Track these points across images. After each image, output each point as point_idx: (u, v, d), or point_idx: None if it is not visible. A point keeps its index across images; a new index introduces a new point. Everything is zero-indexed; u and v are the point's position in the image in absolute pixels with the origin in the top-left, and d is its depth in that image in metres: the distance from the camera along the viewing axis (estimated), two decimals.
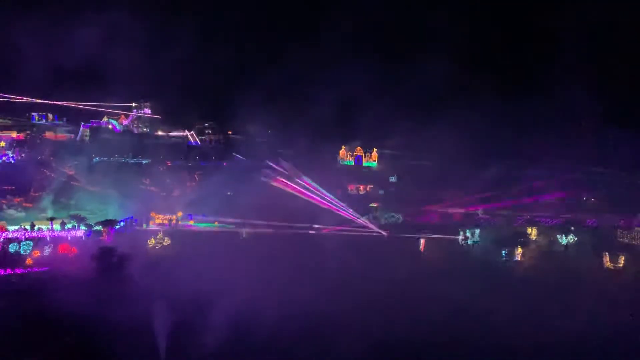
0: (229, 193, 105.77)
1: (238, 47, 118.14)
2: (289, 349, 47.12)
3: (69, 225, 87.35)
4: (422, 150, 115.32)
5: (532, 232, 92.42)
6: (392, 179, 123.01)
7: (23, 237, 80.00)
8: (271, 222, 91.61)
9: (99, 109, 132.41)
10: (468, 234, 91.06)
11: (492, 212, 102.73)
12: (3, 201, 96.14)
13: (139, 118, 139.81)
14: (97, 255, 70.88)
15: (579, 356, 47.55)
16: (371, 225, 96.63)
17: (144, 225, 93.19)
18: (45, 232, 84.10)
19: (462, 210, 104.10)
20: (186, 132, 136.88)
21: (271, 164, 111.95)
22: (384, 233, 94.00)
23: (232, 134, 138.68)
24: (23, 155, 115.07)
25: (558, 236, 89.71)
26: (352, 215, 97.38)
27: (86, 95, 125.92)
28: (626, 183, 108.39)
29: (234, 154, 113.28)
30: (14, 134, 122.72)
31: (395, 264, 75.57)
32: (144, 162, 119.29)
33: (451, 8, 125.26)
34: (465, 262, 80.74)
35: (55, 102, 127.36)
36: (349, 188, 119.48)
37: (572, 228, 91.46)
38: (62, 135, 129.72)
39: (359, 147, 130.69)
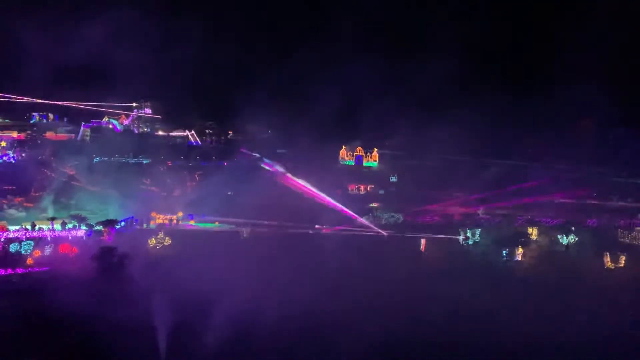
0: (229, 193, 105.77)
1: (238, 46, 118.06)
2: (290, 348, 47.10)
3: (70, 225, 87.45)
4: (423, 150, 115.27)
5: (533, 232, 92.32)
6: (393, 179, 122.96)
7: (24, 237, 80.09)
8: (271, 222, 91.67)
9: (100, 109, 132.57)
10: (469, 234, 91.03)
11: (492, 212, 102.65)
12: (4, 201, 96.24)
13: (139, 118, 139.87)
14: (97, 255, 70.92)
15: (580, 356, 47.49)
16: (371, 225, 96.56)
17: (145, 225, 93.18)
18: (46, 232, 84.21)
19: (462, 210, 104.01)
20: (187, 132, 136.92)
21: (272, 163, 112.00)
22: (384, 233, 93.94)
23: (233, 133, 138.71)
24: (24, 155, 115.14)
25: (559, 236, 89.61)
26: (353, 214, 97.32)
27: (87, 95, 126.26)
28: (627, 183, 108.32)
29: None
30: (15, 134, 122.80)
31: (395, 264, 75.46)
32: (144, 162, 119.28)
33: (452, 7, 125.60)
34: (466, 262, 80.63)
35: (55, 102, 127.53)
36: (350, 188, 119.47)
37: (573, 228, 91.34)
38: (63, 135, 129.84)
39: (359, 147, 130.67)
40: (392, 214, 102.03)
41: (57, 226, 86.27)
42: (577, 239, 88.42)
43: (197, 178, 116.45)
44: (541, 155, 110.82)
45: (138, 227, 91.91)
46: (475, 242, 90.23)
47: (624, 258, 78.12)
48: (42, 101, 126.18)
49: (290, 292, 58.69)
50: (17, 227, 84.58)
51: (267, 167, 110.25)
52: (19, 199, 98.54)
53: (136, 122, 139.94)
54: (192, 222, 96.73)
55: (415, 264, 77.59)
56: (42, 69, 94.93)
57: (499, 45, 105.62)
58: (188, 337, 47.85)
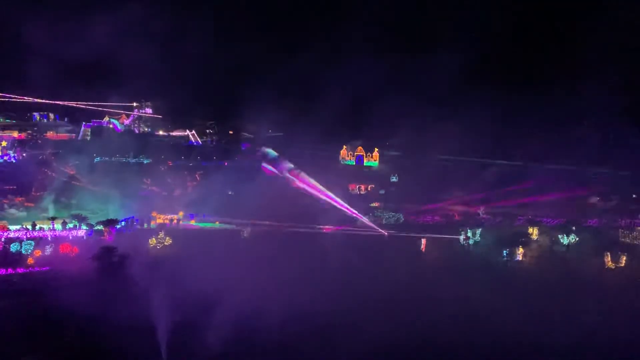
0: (230, 193, 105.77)
1: (238, 46, 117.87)
2: (293, 348, 47.14)
3: (71, 225, 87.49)
4: (423, 150, 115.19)
5: (534, 232, 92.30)
6: (393, 179, 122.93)
7: (25, 236, 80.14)
8: (272, 222, 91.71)
9: (101, 109, 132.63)
10: (469, 234, 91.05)
11: (493, 211, 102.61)
12: (5, 201, 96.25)
13: (140, 118, 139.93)
14: (98, 255, 70.99)
15: (581, 356, 47.48)
16: (372, 225, 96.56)
17: (145, 225, 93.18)
18: (47, 232, 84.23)
19: (463, 210, 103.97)
20: (187, 132, 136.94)
21: (274, 164, 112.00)
22: (384, 233, 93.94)
23: (234, 133, 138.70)
24: (24, 155, 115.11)
25: (559, 236, 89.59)
26: (353, 214, 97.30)
27: (87, 95, 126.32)
28: (629, 183, 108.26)
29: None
30: (16, 134, 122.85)
31: (396, 264, 75.51)
32: (145, 161, 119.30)
33: (454, 5, 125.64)
34: (466, 261, 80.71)
35: (56, 102, 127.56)
36: (350, 188, 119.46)
37: (574, 228, 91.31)
38: (64, 134, 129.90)
39: (360, 147, 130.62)
40: (393, 213, 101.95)
41: (58, 226, 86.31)
42: (577, 238, 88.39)
43: (198, 178, 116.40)
44: (542, 155, 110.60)
45: (139, 226, 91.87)
46: (475, 242, 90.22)
47: (624, 258, 78.17)
48: (43, 101, 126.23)
49: (292, 292, 58.72)
50: (18, 227, 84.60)
51: (270, 169, 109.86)
52: (20, 199, 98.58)
53: (137, 122, 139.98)
54: (192, 222, 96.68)
55: (416, 264, 77.61)
56: (43, 69, 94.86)
57: (500, 45, 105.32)
58: (190, 337, 47.87)
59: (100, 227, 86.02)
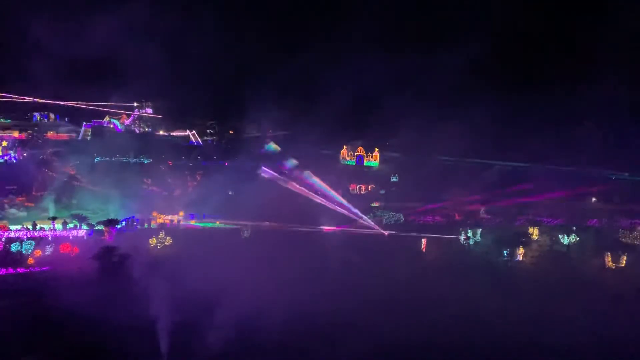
0: (230, 193, 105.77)
1: (239, 46, 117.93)
2: (292, 348, 47.13)
3: (71, 225, 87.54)
4: (424, 150, 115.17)
5: (534, 232, 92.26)
6: (394, 179, 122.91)
7: (25, 236, 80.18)
8: (272, 221, 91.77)
9: (101, 109, 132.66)
10: (469, 234, 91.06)
11: (493, 211, 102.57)
12: (5, 201, 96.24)
13: (140, 118, 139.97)
14: (99, 255, 71.03)
15: (582, 356, 47.47)
16: (372, 225, 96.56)
17: (145, 225, 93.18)
18: (47, 232, 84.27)
19: (463, 210, 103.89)
20: (188, 132, 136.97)
21: (272, 164, 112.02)
22: (384, 232, 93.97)
23: (234, 133, 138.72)
24: (25, 155, 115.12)
25: (560, 236, 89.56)
26: (354, 214, 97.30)
27: (87, 95, 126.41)
28: (629, 183, 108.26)
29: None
30: (16, 134, 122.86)
31: (396, 263, 75.53)
32: (145, 161, 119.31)
33: (454, 4, 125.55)
34: (467, 261, 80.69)
35: (56, 102, 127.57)
36: (351, 187, 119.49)
37: (574, 228, 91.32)
38: (64, 135, 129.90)
39: (360, 147, 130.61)
40: (393, 213, 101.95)
41: (58, 226, 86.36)
42: (578, 238, 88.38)
43: (198, 178, 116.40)
44: (543, 156, 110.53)
45: (139, 226, 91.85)
46: (476, 242, 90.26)
47: (625, 258, 78.17)
48: (43, 101, 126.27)
49: (292, 292, 58.77)
50: (18, 227, 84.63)
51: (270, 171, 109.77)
52: (20, 199, 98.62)
53: (137, 122, 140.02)
54: (193, 222, 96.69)
55: (416, 264, 77.61)
56: (42, 68, 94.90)
57: (502, 45, 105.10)
58: (191, 337, 47.87)
59: (100, 227, 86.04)
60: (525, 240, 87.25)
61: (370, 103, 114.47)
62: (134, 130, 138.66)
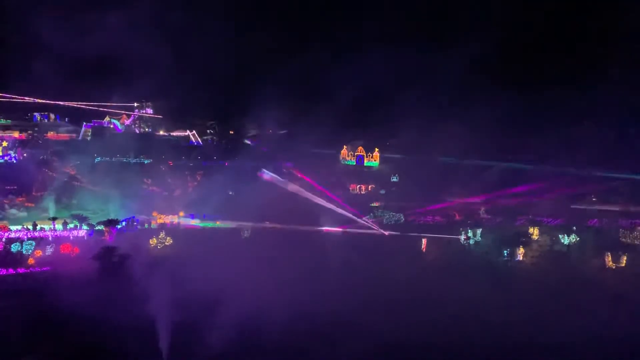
0: (230, 193, 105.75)
1: (239, 45, 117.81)
2: (292, 348, 47.14)
3: (71, 225, 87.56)
4: (424, 150, 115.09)
5: (534, 232, 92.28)
6: (394, 179, 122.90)
7: (25, 237, 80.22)
8: (273, 221, 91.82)
9: (101, 109, 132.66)
10: (470, 234, 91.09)
11: (493, 211, 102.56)
12: (5, 201, 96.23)
13: (140, 118, 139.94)
14: (99, 255, 71.08)
15: (582, 356, 47.47)
16: (372, 225, 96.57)
17: (146, 225, 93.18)
18: (47, 232, 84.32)
19: (464, 210, 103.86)
20: (188, 132, 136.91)
21: (273, 164, 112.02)
22: (385, 233, 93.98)
23: (234, 133, 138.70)
24: (25, 155, 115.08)
25: (560, 236, 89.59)
26: (354, 214, 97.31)
27: (87, 95, 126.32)
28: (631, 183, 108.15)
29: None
30: (16, 134, 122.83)
31: (396, 263, 75.56)
32: (145, 162, 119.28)
33: (455, 3, 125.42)
34: (467, 261, 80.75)
35: (57, 102, 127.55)
36: (351, 188, 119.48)
37: (574, 228, 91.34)
38: (64, 135, 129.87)
39: (360, 147, 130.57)
40: (393, 213, 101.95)
41: (59, 226, 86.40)
42: (578, 238, 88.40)
43: (198, 178, 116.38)
44: (543, 156, 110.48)
45: (139, 227, 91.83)
46: (476, 242, 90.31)
47: (625, 258, 78.19)
48: (43, 101, 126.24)
49: (292, 291, 58.78)
50: (19, 227, 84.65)
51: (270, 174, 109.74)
52: (21, 199, 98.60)
53: (137, 122, 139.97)
54: (193, 222, 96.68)
55: (417, 264, 77.64)
56: (42, 69, 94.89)
57: (504, 43, 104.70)
58: (193, 337, 47.89)
59: (100, 227, 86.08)
60: (526, 240, 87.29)
61: (370, 103, 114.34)
62: (134, 130, 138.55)
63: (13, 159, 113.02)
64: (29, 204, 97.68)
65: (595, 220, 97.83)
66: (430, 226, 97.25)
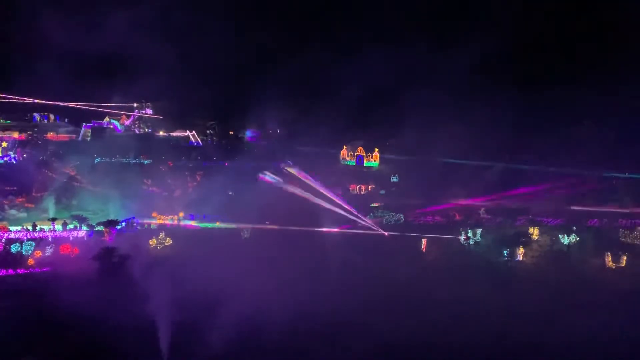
0: (230, 193, 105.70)
1: (238, 45, 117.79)
2: (293, 348, 47.10)
3: (71, 226, 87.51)
4: (424, 150, 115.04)
5: (534, 232, 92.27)
6: (394, 179, 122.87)
7: (25, 237, 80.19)
8: (273, 222, 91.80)
9: (100, 109, 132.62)
10: (470, 234, 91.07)
11: (493, 211, 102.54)
12: (5, 202, 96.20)
13: (140, 118, 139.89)
14: (99, 256, 71.06)
15: (582, 356, 47.43)
16: (372, 225, 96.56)
17: (145, 225, 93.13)
18: (47, 233, 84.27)
19: (463, 210, 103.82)
20: (188, 132, 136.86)
21: (273, 165, 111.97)
22: (385, 233, 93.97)
23: (234, 134, 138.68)
24: (25, 156, 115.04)
25: (560, 236, 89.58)
26: (354, 215, 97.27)
27: (87, 96, 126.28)
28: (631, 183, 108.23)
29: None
30: (16, 135, 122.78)
31: (396, 264, 75.57)
32: (145, 162, 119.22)
33: (457, 4, 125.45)
34: (467, 261, 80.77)
35: (56, 103, 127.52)
36: (351, 188, 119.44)
37: (574, 228, 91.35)
38: (64, 135, 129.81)
39: (360, 147, 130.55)
40: (393, 213, 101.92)
41: (58, 227, 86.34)
42: (578, 238, 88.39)
43: (198, 178, 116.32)
44: (543, 156, 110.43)
45: (139, 227, 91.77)
46: (476, 242, 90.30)
47: (625, 258, 78.17)
48: (43, 102, 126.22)
49: (292, 292, 58.76)
50: (18, 228, 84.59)
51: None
52: (20, 200, 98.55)
53: (137, 122, 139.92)
54: (193, 223, 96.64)
55: (417, 264, 77.62)
56: (42, 69, 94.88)
57: (503, 44, 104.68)
58: (192, 337, 47.85)
59: (100, 227, 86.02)
60: (526, 240, 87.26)
61: (370, 103, 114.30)
62: (134, 130, 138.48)
63: (13, 160, 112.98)
64: (29, 205, 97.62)
65: (595, 220, 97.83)
66: (430, 226, 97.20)
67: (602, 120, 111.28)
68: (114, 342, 46.50)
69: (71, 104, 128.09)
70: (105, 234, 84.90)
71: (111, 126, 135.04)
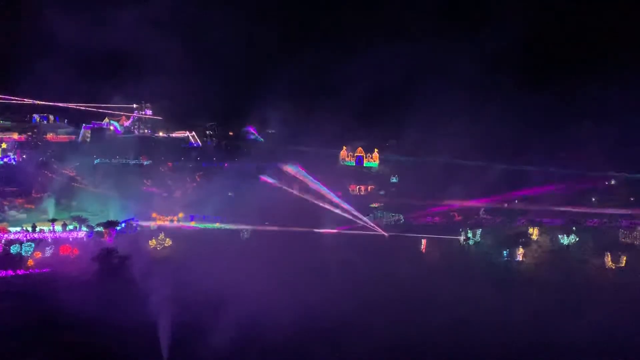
0: (230, 194, 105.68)
1: (238, 46, 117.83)
2: (293, 349, 47.06)
3: (71, 227, 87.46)
4: (424, 151, 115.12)
5: (534, 232, 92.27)
6: (394, 180, 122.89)
7: (25, 238, 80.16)
8: (272, 223, 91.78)
9: (100, 110, 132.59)
10: (469, 234, 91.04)
11: (493, 212, 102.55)
12: (5, 203, 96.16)
13: (140, 119, 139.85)
14: (98, 257, 71.04)
15: (583, 356, 47.42)
16: (372, 226, 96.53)
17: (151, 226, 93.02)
18: (47, 234, 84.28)
19: (463, 211, 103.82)
20: (187, 133, 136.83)
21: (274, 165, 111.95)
22: (385, 233, 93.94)
23: (234, 134, 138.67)
24: (24, 156, 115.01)
25: (559, 236, 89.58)
26: (354, 215, 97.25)
27: (86, 97, 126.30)
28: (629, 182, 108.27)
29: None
30: (16, 136, 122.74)
31: (397, 264, 75.45)
32: (145, 163, 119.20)
33: (458, 5, 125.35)
34: (467, 262, 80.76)
35: (56, 104, 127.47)
36: (351, 188, 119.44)
37: (574, 228, 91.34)
38: (63, 136, 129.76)
39: (360, 148, 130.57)
40: (393, 214, 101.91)
41: (58, 227, 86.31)
42: (577, 239, 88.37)
43: (198, 179, 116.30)
44: (544, 156, 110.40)
45: (139, 228, 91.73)
46: (476, 243, 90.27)
47: (624, 258, 78.16)
48: (43, 102, 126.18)
49: (292, 293, 58.67)
50: (18, 229, 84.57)
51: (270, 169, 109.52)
52: (20, 201, 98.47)
53: (137, 123, 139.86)
54: (192, 223, 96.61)
55: (417, 264, 77.54)
56: (42, 70, 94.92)
57: (505, 45, 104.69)
58: (193, 338, 47.82)
59: (100, 228, 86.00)
60: (525, 241, 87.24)
61: (370, 104, 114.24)
62: (134, 131, 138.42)
63: (12, 161, 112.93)
64: (29, 206, 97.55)
65: (595, 220, 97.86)
66: (430, 227, 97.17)
67: (602, 121, 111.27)
68: (113, 342, 46.50)
69: (71, 105, 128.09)
70: (105, 235, 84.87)
71: (111, 127, 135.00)
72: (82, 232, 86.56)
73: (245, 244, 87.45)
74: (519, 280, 72.91)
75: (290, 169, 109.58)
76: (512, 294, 64.35)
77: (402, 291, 63.31)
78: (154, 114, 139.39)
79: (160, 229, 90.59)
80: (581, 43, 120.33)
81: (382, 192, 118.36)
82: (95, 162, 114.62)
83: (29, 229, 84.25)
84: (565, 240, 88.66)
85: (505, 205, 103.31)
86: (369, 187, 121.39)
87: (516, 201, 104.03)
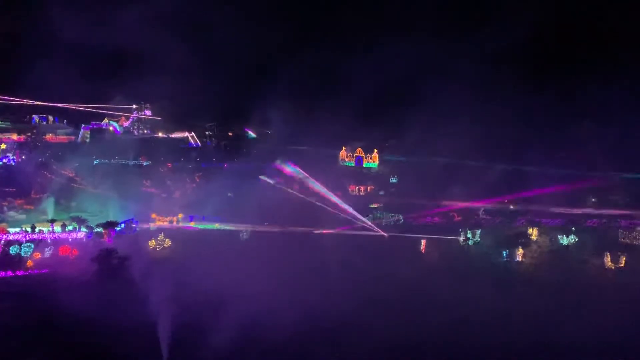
0: (229, 194, 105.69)
1: (237, 47, 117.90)
2: (293, 349, 47.01)
3: (70, 227, 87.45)
4: (423, 151, 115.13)
5: (533, 232, 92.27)
6: (393, 180, 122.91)
7: (24, 239, 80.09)
8: (272, 223, 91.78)
9: (99, 111, 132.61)
10: (469, 235, 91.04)
11: (493, 212, 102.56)
12: (4, 203, 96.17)
13: (139, 120, 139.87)
14: (98, 257, 70.98)
15: (583, 356, 47.40)
16: (372, 226, 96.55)
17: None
18: (46, 234, 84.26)
19: (463, 211, 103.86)
20: (187, 134, 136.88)
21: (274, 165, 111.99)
22: (384, 234, 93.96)
23: (233, 135, 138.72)
24: (24, 157, 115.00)
25: (559, 236, 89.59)
26: (353, 216, 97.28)
27: (86, 97, 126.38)
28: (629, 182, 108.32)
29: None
30: (15, 136, 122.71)
31: (396, 264, 75.44)
32: (144, 163, 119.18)
33: (459, 6, 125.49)
34: (466, 262, 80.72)
35: (55, 105, 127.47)
36: (350, 189, 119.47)
37: (573, 228, 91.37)
38: (63, 137, 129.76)
39: (359, 148, 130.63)
40: (393, 214, 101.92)
41: (57, 228, 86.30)
42: (577, 239, 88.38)
43: (197, 180, 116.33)
44: (544, 156, 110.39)
45: (138, 229, 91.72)
46: (475, 243, 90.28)
47: (624, 258, 78.14)
48: (43, 103, 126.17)
49: (292, 293, 58.63)
50: (17, 230, 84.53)
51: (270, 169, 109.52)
52: (19, 201, 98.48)
53: (136, 124, 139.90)
54: (192, 224, 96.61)
55: (416, 265, 77.50)
56: (41, 71, 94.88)
57: (506, 41, 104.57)
58: (192, 338, 47.78)
59: (99, 229, 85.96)
60: (525, 241, 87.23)
61: (369, 104, 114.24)
62: (133, 132, 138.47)
63: (12, 161, 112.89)
64: (28, 206, 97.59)
65: (595, 220, 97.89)
66: (429, 227, 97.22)
67: (602, 121, 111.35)
68: (113, 343, 46.41)
69: (70, 106, 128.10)
70: (105, 236, 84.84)
71: (110, 128, 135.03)
72: (82, 233, 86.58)
73: (245, 245, 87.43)
74: (519, 280, 72.82)
75: (289, 169, 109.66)
76: (511, 294, 64.25)
77: (402, 291, 63.23)
78: (153, 115, 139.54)
79: (159, 229, 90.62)
80: (581, 43, 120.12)
81: (381, 193, 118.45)
82: (95, 162, 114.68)
83: (28, 229, 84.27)
84: (564, 240, 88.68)
85: (511, 207, 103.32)
86: (369, 188, 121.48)
87: (511, 206, 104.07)
